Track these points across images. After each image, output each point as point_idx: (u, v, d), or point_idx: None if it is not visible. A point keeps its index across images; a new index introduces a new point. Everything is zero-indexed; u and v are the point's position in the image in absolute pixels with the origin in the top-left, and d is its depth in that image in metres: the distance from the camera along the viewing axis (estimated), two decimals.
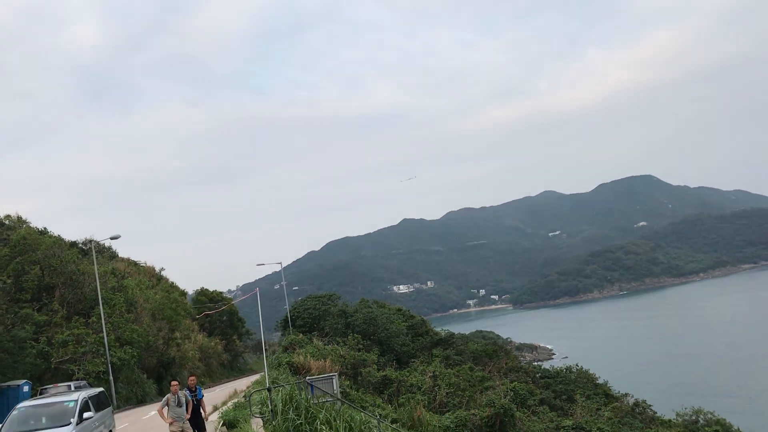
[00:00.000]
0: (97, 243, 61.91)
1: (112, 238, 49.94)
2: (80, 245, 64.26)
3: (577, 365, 62.51)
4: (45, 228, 58.89)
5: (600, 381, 59.78)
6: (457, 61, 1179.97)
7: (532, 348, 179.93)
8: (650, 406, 54.42)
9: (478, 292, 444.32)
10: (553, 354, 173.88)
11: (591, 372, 61.11)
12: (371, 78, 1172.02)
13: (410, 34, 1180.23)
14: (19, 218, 57.48)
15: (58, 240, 55.42)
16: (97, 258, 51.83)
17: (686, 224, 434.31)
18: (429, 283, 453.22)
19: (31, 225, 56.81)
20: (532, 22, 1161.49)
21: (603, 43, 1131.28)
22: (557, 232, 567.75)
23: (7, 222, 55.66)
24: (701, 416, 52.88)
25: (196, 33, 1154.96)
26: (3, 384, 35.48)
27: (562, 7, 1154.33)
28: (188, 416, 20.12)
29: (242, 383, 54.67)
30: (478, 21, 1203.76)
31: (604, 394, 54.50)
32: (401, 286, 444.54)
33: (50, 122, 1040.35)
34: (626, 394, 57.21)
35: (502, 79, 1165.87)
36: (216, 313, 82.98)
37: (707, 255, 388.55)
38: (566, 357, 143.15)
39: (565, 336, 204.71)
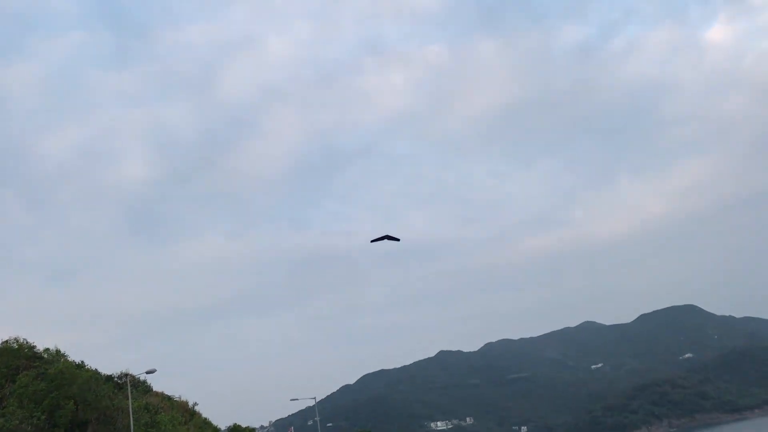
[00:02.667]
0: (133, 377, 61.69)
1: (147, 373, 49.93)
2: (116, 379, 64.12)
3: None
4: (82, 362, 59.23)
5: None
6: (492, 192, 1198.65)
7: None
8: None
9: (520, 428, 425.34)
10: None
11: None
12: (407, 208, 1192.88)
13: (445, 166, 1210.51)
14: (58, 351, 57.95)
15: (95, 374, 55.48)
16: (132, 392, 51.48)
17: (735, 356, 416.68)
18: (468, 419, 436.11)
19: (69, 358, 57.15)
20: (564, 153, 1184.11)
21: (636, 173, 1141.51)
22: (600, 365, 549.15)
23: (45, 356, 56.10)
24: None
25: (239, 169, 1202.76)
26: None
27: (592, 139, 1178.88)
28: None
29: None
30: (511, 153, 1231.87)
31: None
32: (439, 423, 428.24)
33: (93, 255, 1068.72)
34: None
35: (537, 209, 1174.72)
36: None
37: (762, 389, 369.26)
38: None
39: None
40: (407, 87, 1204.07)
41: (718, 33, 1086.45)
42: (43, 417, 44.28)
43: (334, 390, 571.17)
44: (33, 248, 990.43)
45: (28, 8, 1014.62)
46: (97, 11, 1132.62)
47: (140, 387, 74.78)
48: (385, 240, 66.18)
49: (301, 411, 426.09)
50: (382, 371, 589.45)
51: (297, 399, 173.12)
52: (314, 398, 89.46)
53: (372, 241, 65.77)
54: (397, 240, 66.53)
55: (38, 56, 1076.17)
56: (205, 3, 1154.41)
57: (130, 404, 48.48)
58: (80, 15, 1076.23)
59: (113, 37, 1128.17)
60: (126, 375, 61.22)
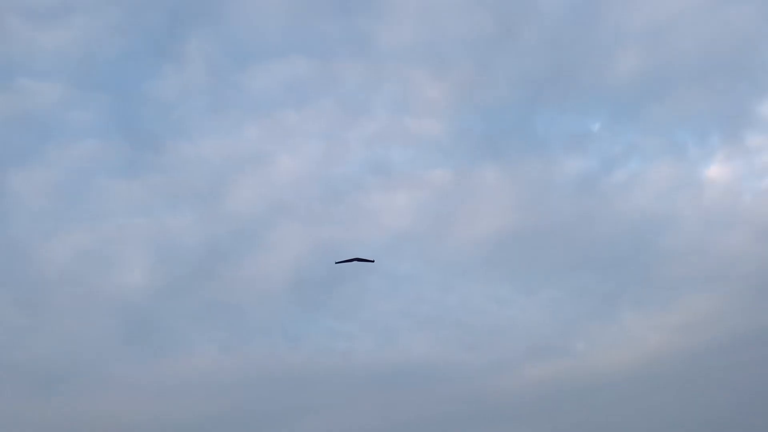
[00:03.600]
0: None
1: None
2: None
3: None
4: None
5: None
6: (493, 317, 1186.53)
7: None
8: None
9: None
10: None
11: None
12: (407, 329, 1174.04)
13: (446, 288, 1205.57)
14: None
15: None
16: None
17: None
18: None
19: None
20: (566, 282, 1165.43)
21: (638, 306, 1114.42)
22: None
23: None
24: None
25: (239, 280, 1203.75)
26: None
27: (594, 270, 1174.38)
28: None
29: None
30: (513, 279, 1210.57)
31: None
32: None
33: (82, 362, 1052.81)
34: None
35: (539, 337, 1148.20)
36: None
37: None
38: None
39: None
40: (411, 208, 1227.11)
41: (716, 171, 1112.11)
42: None
43: None
44: (22, 352, 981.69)
45: (48, 117, 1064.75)
46: (114, 122, 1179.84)
47: None
48: (355, 262, 60.18)
49: None
50: None
51: None
52: None
53: (337, 263, 60.50)
54: (371, 261, 60.45)
55: (52, 162, 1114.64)
56: (221, 120, 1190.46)
57: None
58: (97, 124, 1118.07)
59: (127, 147, 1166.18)
60: None
